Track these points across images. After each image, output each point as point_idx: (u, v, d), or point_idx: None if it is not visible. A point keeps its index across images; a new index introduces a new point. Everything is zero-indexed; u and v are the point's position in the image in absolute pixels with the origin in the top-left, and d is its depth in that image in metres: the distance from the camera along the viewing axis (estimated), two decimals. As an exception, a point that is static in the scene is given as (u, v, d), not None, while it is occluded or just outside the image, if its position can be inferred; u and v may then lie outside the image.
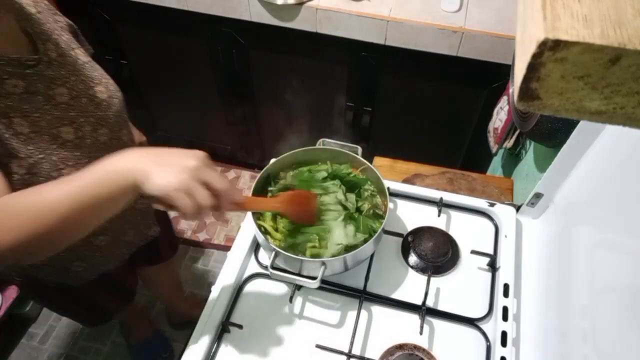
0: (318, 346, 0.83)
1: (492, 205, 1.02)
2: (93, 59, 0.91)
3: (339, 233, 0.85)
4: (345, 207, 0.89)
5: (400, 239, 0.98)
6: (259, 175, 0.91)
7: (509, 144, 1.25)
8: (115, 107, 0.91)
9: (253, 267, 0.95)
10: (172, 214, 1.30)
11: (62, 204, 0.58)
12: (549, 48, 0.23)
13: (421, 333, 0.84)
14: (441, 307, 0.89)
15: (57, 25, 0.85)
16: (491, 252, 0.95)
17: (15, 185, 0.74)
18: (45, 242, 0.60)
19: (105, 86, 0.89)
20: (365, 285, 0.90)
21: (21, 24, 0.76)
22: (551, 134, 0.95)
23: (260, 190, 0.92)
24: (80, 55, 0.87)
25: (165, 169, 0.59)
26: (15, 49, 0.73)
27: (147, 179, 0.58)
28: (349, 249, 0.83)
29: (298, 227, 0.86)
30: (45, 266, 0.94)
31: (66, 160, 0.80)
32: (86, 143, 0.84)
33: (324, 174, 0.93)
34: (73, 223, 0.59)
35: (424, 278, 0.91)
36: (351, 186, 0.93)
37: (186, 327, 1.70)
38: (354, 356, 0.81)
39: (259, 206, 0.84)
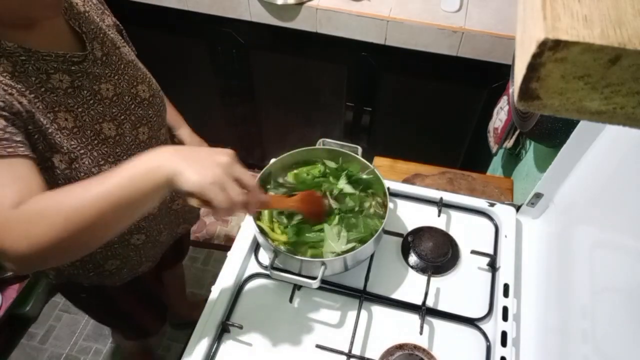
0: (318, 346, 0.83)
1: (492, 205, 1.02)
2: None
3: (331, 240, 0.85)
4: (340, 210, 0.90)
5: (400, 239, 0.98)
6: (259, 175, 0.91)
7: (509, 144, 1.25)
8: (156, 106, 0.92)
9: (253, 267, 0.95)
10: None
11: (94, 203, 0.58)
12: (549, 48, 0.23)
13: (421, 333, 0.84)
14: (441, 307, 0.89)
15: (104, 24, 0.86)
16: (491, 252, 0.95)
17: (56, 180, 0.76)
18: (77, 243, 0.60)
19: (148, 85, 0.90)
20: (365, 285, 0.90)
21: (69, 22, 0.78)
22: (551, 134, 0.95)
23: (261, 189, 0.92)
24: (125, 54, 0.88)
25: (198, 165, 0.60)
26: (62, 46, 0.75)
27: (181, 174, 0.58)
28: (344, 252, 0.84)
29: (301, 230, 0.87)
30: (81, 264, 0.94)
31: (107, 157, 0.81)
32: (126, 140, 0.85)
33: (318, 170, 0.94)
34: (105, 222, 0.59)
35: (424, 278, 0.91)
36: (363, 185, 0.93)
37: (186, 327, 1.70)
38: (354, 356, 0.81)
39: (281, 205, 0.86)
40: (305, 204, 0.85)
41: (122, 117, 0.84)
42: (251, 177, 0.66)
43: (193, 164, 0.60)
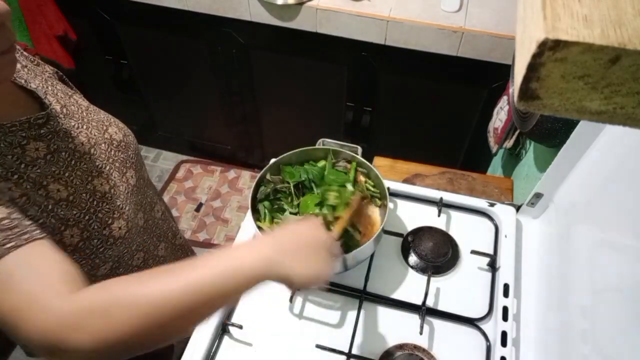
0: (318, 346, 0.83)
1: (492, 205, 1.02)
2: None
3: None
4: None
5: (400, 239, 0.98)
6: (259, 175, 0.91)
7: (509, 144, 1.25)
8: (133, 145, 0.87)
9: (253, 267, 0.95)
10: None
11: (181, 296, 0.51)
12: (549, 48, 0.23)
13: (421, 333, 0.84)
14: (441, 307, 0.89)
15: (46, 76, 0.79)
16: (491, 252, 0.95)
17: (70, 256, 0.70)
18: (152, 340, 0.53)
19: (116, 126, 0.85)
20: (365, 285, 0.90)
21: (16, 82, 0.69)
22: (551, 134, 0.95)
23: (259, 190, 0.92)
24: (80, 100, 0.82)
25: (306, 261, 0.57)
26: (20, 111, 0.67)
27: (291, 278, 0.56)
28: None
29: None
30: None
31: (111, 214, 0.76)
32: (120, 191, 0.80)
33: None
34: (190, 318, 0.53)
35: (424, 278, 0.91)
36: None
37: (186, 327, 1.69)
38: (354, 356, 0.81)
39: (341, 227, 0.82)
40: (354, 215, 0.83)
41: (108, 167, 0.78)
42: (338, 245, 0.65)
43: (301, 261, 0.56)
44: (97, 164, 0.76)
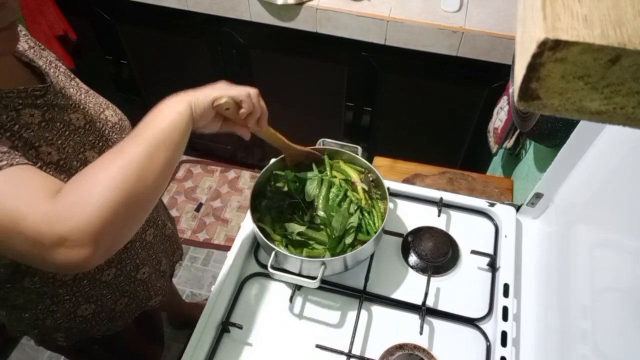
0: (318, 346, 0.83)
1: (492, 205, 1.02)
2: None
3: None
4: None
5: (400, 239, 0.98)
6: (259, 175, 0.91)
7: (509, 144, 1.25)
8: (127, 129, 0.90)
9: (253, 267, 0.95)
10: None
11: (136, 153, 0.58)
12: (549, 48, 0.23)
13: (421, 333, 0.84)
14: (441, 307, 0.89)
15: (51, 59, 0.84)
16: (491, 252, 0.95)
17: None
18: (139, 196, 0.58)
19: (113, 110, 0.89)
20: (365, 285, 0.90)
21: (21, 59, 0.75)
22: (551, 134, 0.95)
23: (261, 189, 0.92)
24: (80, 84, 0.86)
25: (206, 89, 0.72)
26: (20, 82, 0.71)
27: (196, 98, 0.69)
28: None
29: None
30: (93, 316, 0.91)
31: None
32: None
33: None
34: (153, 170, 0.60)
35: (424, 278, 0.91)
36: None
37: (186, 327, 1.69)
38: (354, 356, 0.81)
39: (273, 137, 0.95)
40: (294, 156, 0.92)
41: (101, 144, 0.82)
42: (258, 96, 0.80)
43: (202, 90, 0.72)
44: (90, 138, 0.80)
